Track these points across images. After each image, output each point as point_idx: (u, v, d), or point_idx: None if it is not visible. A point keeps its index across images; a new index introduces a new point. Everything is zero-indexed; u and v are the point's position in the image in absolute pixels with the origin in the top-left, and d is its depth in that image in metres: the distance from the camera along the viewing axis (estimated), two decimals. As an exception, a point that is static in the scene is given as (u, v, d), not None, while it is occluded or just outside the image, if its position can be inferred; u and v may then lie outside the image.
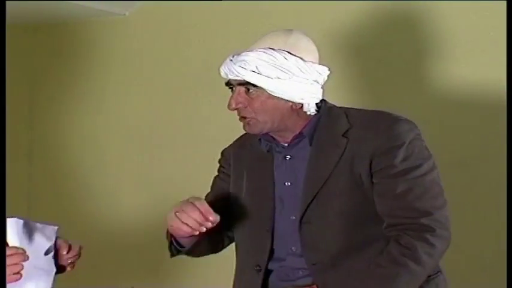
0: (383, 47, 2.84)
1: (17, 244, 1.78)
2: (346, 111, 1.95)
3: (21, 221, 1.80)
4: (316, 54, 1.92)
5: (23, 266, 1.75)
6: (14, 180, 3.35)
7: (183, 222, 1.86)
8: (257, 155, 2.01)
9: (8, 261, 1.72)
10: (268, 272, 1.97)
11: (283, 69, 1.84)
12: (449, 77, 2.69)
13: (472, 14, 2.66)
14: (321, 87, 1.92)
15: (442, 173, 2.51)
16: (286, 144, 1.95)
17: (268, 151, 1.98)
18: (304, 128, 1.92)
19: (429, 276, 1.85)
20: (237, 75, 1.86)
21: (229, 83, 1.93)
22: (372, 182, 1.85)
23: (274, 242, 1.95)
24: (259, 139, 1.99)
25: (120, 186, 3.50)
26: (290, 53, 1.86)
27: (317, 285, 1.88)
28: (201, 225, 1.81)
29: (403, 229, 1.81)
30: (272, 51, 1.85)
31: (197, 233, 1.83)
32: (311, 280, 1.89)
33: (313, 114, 1.92)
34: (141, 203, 3.42)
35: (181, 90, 3.33)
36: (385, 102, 2.75)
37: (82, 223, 3.49)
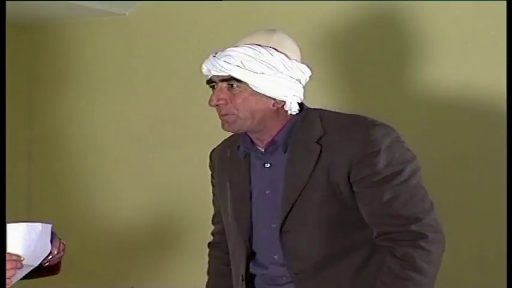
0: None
1: (19, 250, 1.78)
2: (321, 114, 1.91)
3: (24, 226, 1.80)
4: (299, 54, 1.92)
5: (15, 272, 1.75)
6: (14, 180, 3.35)
7: None
8: (236, 162, 2.00)
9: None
10: (253, 277, 1.98)
11: (269, 65, 1.83)
12: (440, 77, 2.69)
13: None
14: (303, 87, 1.92)
15: (440, 173, 2.52)
16: (263, 150, 1.93)
17: (245, 157, 1.97)
18: (277, 134, 1.90)
19: None
20: (220, 70, 1.84)
21: (211, 81, 1.90)
22: (353, 191, 1.83)
23: (256, 251, 1.96)
24: (238, 146, 1.98)
25: (119, 186, 3.50)
26: (275, 50, 1.86)
27: None
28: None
29: (395, 238, 1.79)
30: (258, 47, 1.85)
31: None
32: (294, 286, 1.88)
33: (293, 113, 1.90)
34: (141, 202, 3.42)
35: (181, 90, 3.33)
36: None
37: (81, 223, 3.49)
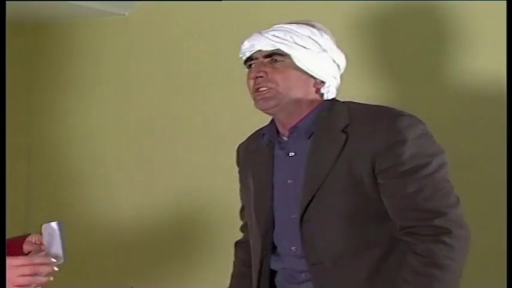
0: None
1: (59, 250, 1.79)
2: (348, 105, 1.92)
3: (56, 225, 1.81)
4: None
5: (31, 281, 1.74)
6: (13, 181, 3.35)
7: None
8: (259, 154, 2.00)
9: (19, 271, 1.70)
10: (274, 273, 1.95)
11: (316, 43, 1.88)
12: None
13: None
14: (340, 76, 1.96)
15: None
16: (286, 139, 1.93)
17: (268, 146, 1.97)
18: (301, 120, 1.90)
19: None
20: (267, 44, 1.86)
21: (250, 59, 1.92)
22: (377, 183, 1.80)
23: (276, 242, 1.94)
24: (263, 134, 1.98)
25: (119, 186, 3.50)
26: (325, 33, 1.92)
27: None
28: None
29: (418, 233, 1.76)
30: (311, 26, 1.91)
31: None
32: (312, 286, 1.85)
33: (327, 99, 1.92)
34: (140, 202, 3.42)
35: (181, 90, 3.33)
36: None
37: (81, 223, 3.48)
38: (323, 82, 1.92)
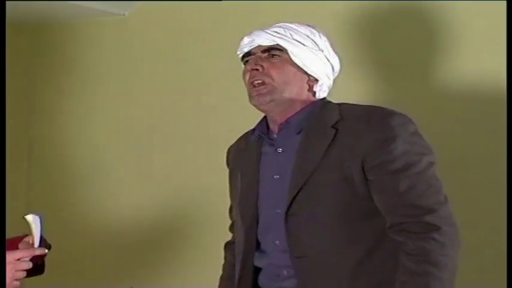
0: (386, 44, 2.83)
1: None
2: (339, 104, 1.95)
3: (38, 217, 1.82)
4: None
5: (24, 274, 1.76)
6: (13, 180, 3.35)
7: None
8: (249, 152, 2.02)
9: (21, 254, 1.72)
10: (258, 271, 1.96)
11: (315, 43, 1.94)
12: (455, 74, 2.68)
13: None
14: (333, 76, 2.01)
15: (447, 171, 2.50)
16: (275, 136, 1.95)
17: (257, 142, 1.98)
18: (293, 116, 1.92)
19: None
20: (267, 39, 1.91)
21: (248, 54, 1.95)
22: (367, 179, 1.81)
23: (260, 238, 1.94)
24: (253, 130, 2.00)
25: (119, 186, 3.50)
26: (323, 35, 1.98)
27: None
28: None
29: (408, 230, 1.77)
30: (310, 27, 1.96)
31: None
32: (295, 283, 1.86)
33: (319, 98, 1.96)
34: (141, 202, 3.42)
35: (181, 90, 3.33)
36: (387, 98, 2.75)
37: (81, 223, 3.49)
38: (317, 80, 1.95)
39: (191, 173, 3.27)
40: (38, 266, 1.92)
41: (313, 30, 1.95)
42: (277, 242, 1.89)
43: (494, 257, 2.54)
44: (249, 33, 1.95)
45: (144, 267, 3.39)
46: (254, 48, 1.93)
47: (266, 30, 1.93)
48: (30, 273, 1.89)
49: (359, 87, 2.80)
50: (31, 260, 1.84)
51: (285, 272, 1.89)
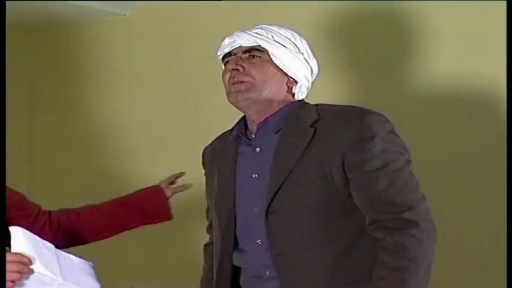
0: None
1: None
2: (317, 105, 1.98)
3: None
4: None
5: (21, 276, 1.74)
6: (14, 181, 3.35)
7: None
8: (225, 152, 2.03)
9: (8, 267, 1.71)
10: (236, 270, 1.97)
11: (296, 45, 1.97)
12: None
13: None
14: (311, 79, 2.04)
15: (441, 171, 2.51)
16: (253, 135, 1.97)
17: (234, 142, 2.00)
18: (272, 115, 1.94)
19: None
20: (248, 40, 1.93)
21: (229, 54, 1.98)
22: (346, 177, 1.84)
23: (239, 237, 1.95)
24: (231, 130, 2.02)
25: (120, 186, 3.50)
26: (304, 39, 2.01)
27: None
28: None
29: (387, 226, 1.80)
30: (292, 31, 1.99)
31: None
32: (278, 284, 1.87)
33: (297, 99, 1.99)
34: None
35: (182, 90, 3.34)
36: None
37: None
38: (296, 82, 1.98)
39: (193, 172, 3.26)
40: None
41: (294, 33, 1.99)
42: (258, 241, 1.91)
43: (494, 257, 2.54)
44: (230, 34, 1.98)
45: (145, 267, 3.39)
46: (235, 48, 1.96)
47: (247, 31, 1.95)
48: None
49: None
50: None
51: (267, 273, 1.90)
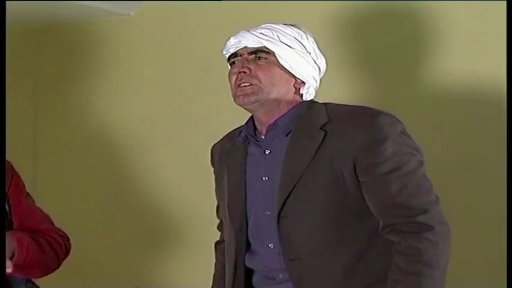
0: (383, 43, 2.84)
1: None
2: (326, 105, 1.95)
3: None
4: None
5: None
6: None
7: None
8: (234, 152, 2.01)
9: None
10: (249, 273, 1.96)
11: (303, 45, 1.93)
12: (450, 75, 2.69)
13: (474, 11, 2.67)
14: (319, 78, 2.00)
15: (445, 173, 2.50)
16: (263, 137, 1.95)
17: (243, 143, 1.98)
18: (280, 117, 1.92)
19: None
20: (254, 41, 1.90)
21: (234, 55, 1.95)
22: (358, 180, 1.82)
23: (251, 239, 1.94)
24: (240, 131, 2.00)
25: (123, 186, 3.51)
26: (310, 36, 1.97)
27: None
28: None
29: (401, 230, 1.78)
30: (297, 29, 1.95)
31: None
32: (290, 286, 1.86)
33: (306, 100, 1.95)
34: (145, 202, 3.43)
35: (186, 90, 3.34)
36: (381, 99, 2.76)
37: (86, 223, 3.50)
38: (303, 83, 1.95)
39: (193, 172, 3.27)
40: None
41: (300, 32, 1.95)
42: (270, 245, 1.90)
43: (494, 257, 2.54)
44: (235, 34, 1.95)
45: (148, 267, 3.40)
46: (240, 49, 1.93)
47: (253, 32, 1.92)
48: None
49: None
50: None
51: (280, 276, 1.89)
